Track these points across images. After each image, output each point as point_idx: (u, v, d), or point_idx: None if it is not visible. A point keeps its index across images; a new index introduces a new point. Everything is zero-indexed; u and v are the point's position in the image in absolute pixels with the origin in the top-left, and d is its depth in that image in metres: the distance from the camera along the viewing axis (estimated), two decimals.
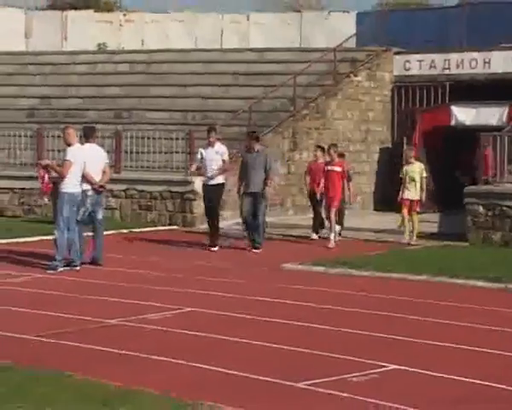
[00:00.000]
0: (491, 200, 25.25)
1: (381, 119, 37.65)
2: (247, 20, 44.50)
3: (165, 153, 29.78)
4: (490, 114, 33.82)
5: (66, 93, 40.03)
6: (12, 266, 21.90)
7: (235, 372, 12.72)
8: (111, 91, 39.36)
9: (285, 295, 18.48)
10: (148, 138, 32.24)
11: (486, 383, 11.64)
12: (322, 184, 25.81)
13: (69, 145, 21.21)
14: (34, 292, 18.93)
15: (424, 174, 25.65)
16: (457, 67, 36.66)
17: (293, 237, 27.74)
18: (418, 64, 37.42)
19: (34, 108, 38.58)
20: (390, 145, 37.63)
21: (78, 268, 21.00)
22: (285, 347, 14.13)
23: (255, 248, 24.50)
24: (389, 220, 29.83)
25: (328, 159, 25.79)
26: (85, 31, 45.54)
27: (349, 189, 26.18)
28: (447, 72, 36.83)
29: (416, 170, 25.37)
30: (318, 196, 26.43)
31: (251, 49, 41.38)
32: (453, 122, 35.10)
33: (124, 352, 13.96)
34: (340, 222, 26.33)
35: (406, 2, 54.40)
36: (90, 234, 22.09)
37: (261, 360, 13.39)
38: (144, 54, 42.48)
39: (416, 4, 52.36)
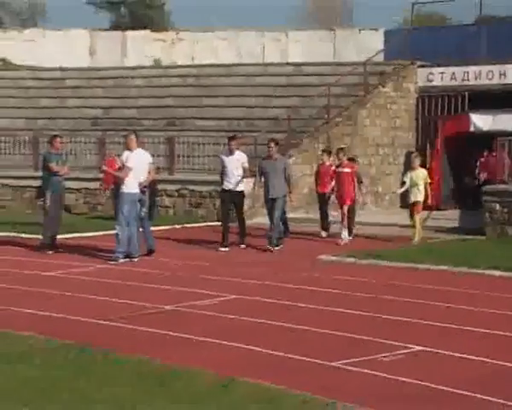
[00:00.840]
0: (506, 198, 25.08)
1: (406, 125, 37.46)
2: (286, 37, 44.48)
3: (213, 156, 29.78)
4: (505, 121, 33.68)
5: (125, 104, 40.11)
6: (77, 258, 22.07)
7: (278, 353, 12.77)
8: (165, 102, 39.39)
9: (322, 283, 18.52)
10: (198, 144, 32.41)
11: (506, 364, 11.71)
12: (331, 185, 25.21)
13: (129, 150, 21.38)
14: (97, 281, 19.04)
15: (428, 180, 24.47)
16: (475, 78, 36.49)
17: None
18: (440, 76, 37.28)
19: (97, 117, 38.71)
20: (414, 149, 37.47)
21: (136, 260, 21.14)
22: (322, 330, 14.17)
23: (277, 245, 23.08)
24: None
25: (337, 162, 25.41)
26: (143, 48, 45.75)
27: (360, 189, 25.64)
28: (466, 83, 36.61)
29: (419, 176, 24.22)
30: (327, 195, 25.93)
31: (289, 64, 41.37)
32: (472, 128, 35.05)
33: (178, 334, 14.03)
34: (351, 220, 25.44)
35: (429, 20, 54.16)
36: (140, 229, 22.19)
37: (301, 342, 13.41)
38: (194, 68, 42.51)
39: (437, 22, 52.15)
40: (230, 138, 24.25)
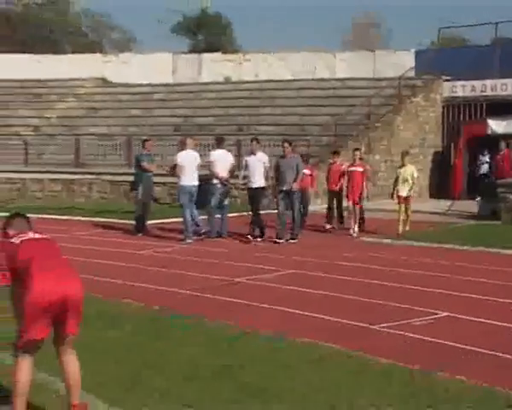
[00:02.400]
0: None
1: (434, 130, 37.56)
2: (334, 57, 44.33)
3: (272, 156, 29.76)
4: None
5: (201, 113, 40.33)
6: (159, 239, 22.29)
7: (329, 317, 12.76)
8: (234, 111, 39.55)
9: (364, 260, 18.36)
10: (260, 146, 32.37)
11: None
12: (342, 182, 23.90)
13: (182, 150, 21.95)
14: (176, 258, 19.18)
15: (415, 175, 22.68)
16: (492, 90, 36.56)
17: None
18: (462, 88, 37.32)
19: (178, 124, 38.93)
20: (440, 149, 37.58)
21: (202, 237, 21.58)
22: (366, 299, 14.14)
23: (292, 239, 21.43)
24: (439, 205, 30.17)
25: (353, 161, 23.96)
26: (215, 68, 45.85)
27: (366, 186, 23.67)
28: (484, 94, 36.66)
29: (408, 172, 22.37)
30: (338, 190, 24.11)
31: (336, 79, 41.29)
32: (489, 132, 35.06)
33: (245, 302, 14.09)
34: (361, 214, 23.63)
35: (453, 41, 53.78)
36: (219, 216, 22.31)
37: (348, 309, 13.38)
38: (257, 83, 42.59)
39: (459, 43, 51.81)
40: (252, 140, 22.95)
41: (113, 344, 10.90)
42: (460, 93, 37.51)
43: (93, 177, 35.31)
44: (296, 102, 39.56)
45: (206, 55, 48.64)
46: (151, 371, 9.77)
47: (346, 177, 23.61)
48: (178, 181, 21.94)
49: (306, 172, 23.43)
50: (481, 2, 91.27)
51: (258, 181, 21.85)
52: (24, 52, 52.34)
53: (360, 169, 23.14)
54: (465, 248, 20.08)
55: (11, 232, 7.99)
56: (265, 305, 13.80)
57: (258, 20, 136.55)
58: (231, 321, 12.38)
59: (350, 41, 73.83)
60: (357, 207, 22.95)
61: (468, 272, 16.64)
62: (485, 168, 35.17)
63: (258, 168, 21.82)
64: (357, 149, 24.44)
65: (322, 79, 41.48)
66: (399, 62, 40.37)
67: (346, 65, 42.84)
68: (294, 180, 21.24)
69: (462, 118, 37.20)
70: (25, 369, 7.66)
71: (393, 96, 37.24)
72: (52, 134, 41.45)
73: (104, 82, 46.74)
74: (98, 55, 51.47)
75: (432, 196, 35.99)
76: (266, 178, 22.09)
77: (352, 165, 23.41)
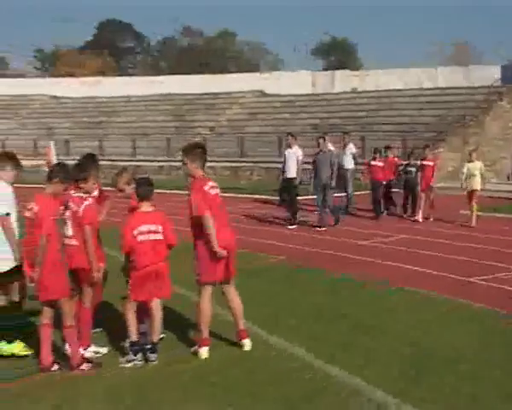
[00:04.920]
0: None
1: None
2: (436, 71, 43.37)
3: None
4: None
5: (333, 116, 40.18)
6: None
7: (430, 271, 12.65)
8: (359, 114, 39.29)
9: (461, 229, 18.06)
10: (379, 140, 32.06)
11: None
12: (396, 175, 21.19)
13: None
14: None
15: (483, 170, 18.88)
16: None
17: None
18: None
19: (316, 124, 38.89)
20: None
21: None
22: (462, 258, 13.94)
23: (322, 226, 18.19)
24: None
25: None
26: (345, 81, 45.69)
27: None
28: None
29: (475, 167, 18.71)
30: (383, 183, 20.58)
31: (438, 88, 40.36)
32: None
33: (364, 258, 14.07)
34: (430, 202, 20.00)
35: None
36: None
37: (448, 266, 13.18)
38: (378, 92, 42.10)
39: None
40: (287, 135, 20.19)
41: (257, 291, 11.12)
42: None
43: (252, 164, 35.78)
44: (407, 106, 38.95)
45: (337, 72, 48.67)
46: (286, 313, 9.93)
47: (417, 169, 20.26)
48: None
49: (379, 164, 20.59)
50: None
51: (292, 172, 19.05)
52: (201, 73, 53.53)
53: (430, 163, 20.10)
54: None
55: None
56: (379, 261, 13.79)
57: (377, 42, 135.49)
58: (352, 274, 12.45)
59: (448, 57, 72.01)
60: (425, 192, 19.83)
61: None
62: None
63: (292, 161, 19.07)
64: (427, 146, 21.29)
65: (427, 89, 40.69)
66: (488, 74, 39.44)
67: (445, 77, 41.88)
68: (331, 175, 18.42)
69: None
70: (209, 301, 7.94)
71: (484, 100, 36.38)
72: (223, 133, 42.22)
73: (261, 94, 47.10)
74: (257, 74, 52.22)
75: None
76: (298, 170, 18.98)
77: (423, 159, 20.23)
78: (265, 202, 24.99)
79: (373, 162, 20.73)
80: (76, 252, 7.84)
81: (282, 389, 6.96)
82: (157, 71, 70.41)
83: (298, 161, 18.97)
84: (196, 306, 8.04)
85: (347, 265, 13.43)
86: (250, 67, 71.84)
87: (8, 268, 8.05)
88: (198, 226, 7.81)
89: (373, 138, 32.13)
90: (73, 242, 7.90)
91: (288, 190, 19.43)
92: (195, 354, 7.94)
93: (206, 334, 7.98)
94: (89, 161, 8.48)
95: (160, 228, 7.82)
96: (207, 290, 7.95)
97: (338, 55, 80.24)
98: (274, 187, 24.41)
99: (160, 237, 7.81)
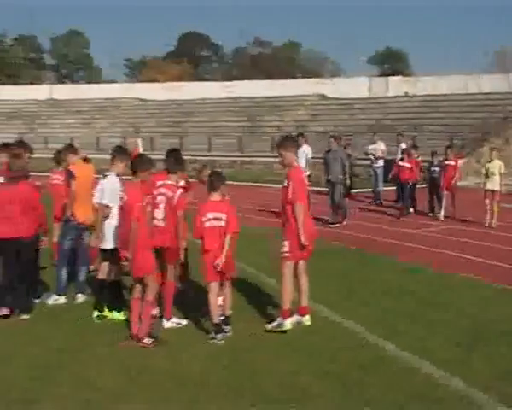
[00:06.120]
0: None
1: None
2: (479, 76, 42.46)
3: (434, 147, 28.98)
4: None
5: (387, 117, 39.78)
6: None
7: (478, 258, 12.57)
8: (409, 115, 38.71)
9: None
10: (428, 140, 31.68)
11: None
12: (419, 174, 19.80)
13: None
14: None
15: (502, 169, 16.67)
16: None
17: None
18: None
19: (372, 125, 38.49)
20: None
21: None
22: (507, 247, 13.76)
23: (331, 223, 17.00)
24: None
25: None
26: (397, 86, 45.14)
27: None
28: None
29: (495, 166, 16.68)
30: (411, 182, 19.05)
31: (482, 93, 39.49)
32: None
33: (414, 245, 14.00)
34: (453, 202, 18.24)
35: None
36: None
37: (493, 254, 13.00)
38: (427, 96, 41.30)
39: None
40: (297, 134, 18.64)
41: (332, 270, 11.29)
42: None
43: (315, 159, 35.70)
44: (453, 109, 38.18)
45: (391, 78, 48.09)
46: (360, 286, 10.09)
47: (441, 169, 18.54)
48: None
49: (407, 164, 19.07)
50: None
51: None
52: (269, 78, 53.72)
53: (453, 163, 18.26)
54: None
55: None
56: (425, 247, 13.72)
57: (426, 50, 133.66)
58: (415, 259, 12.45)
59: (491, 64, 70.41)
60: (447, 192, 18.10)
61: None
62: None
63: (302, 159, 17.37)
64: (449, 147, 19.28)
65: (472, 93, 39.93)
66: None
67: (488, 82, 41.03)
68: (343, 172, 17.47)
69: None
70: (291, 276, 8.01)
71: None
72: (288, 132, 42.13)
73: (322, 97, 46.85)
74: (318, 79, 52.05)
75: None
76: (307, 166, 17.68)
77: (446, 159, 18.39)
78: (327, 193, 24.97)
79: (401, 163, 19.30)
80: (163, 232, 7.97)
81: (353, 354, 7.16)
82: (230, 77, 70.78)
83: (307, 159, 17.85)
84: (280, 281, 8.07)
85: (403, 250, 13.45)
86: (313, 73, 71.81)
87: (111, 247, 8.28)
88: (291, 211, 7.85)
89: (422, 138, 31.75)
90: (162, 223, 8.04)
91: None
92: (281, 325, 7.88)
93: (288, 306, 7.98)
94: (180, 155, 8.76)
95: (224, 216, 7.75)
96: (289, 267, 7.98)
97: (392, 62, 79.86)
98: None
99: (222, 223, 7.72)
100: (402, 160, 19.42)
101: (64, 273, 9.42)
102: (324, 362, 6.92)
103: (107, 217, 8.29)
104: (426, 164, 20.21)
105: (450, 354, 7.10)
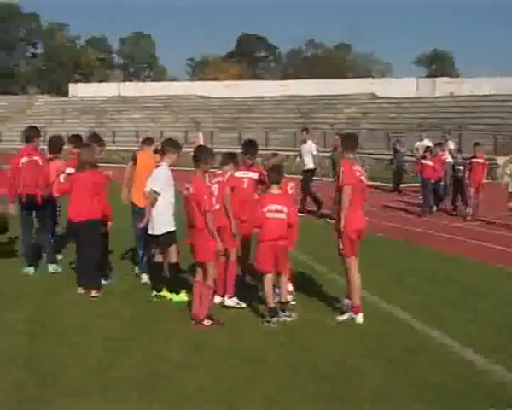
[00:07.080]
0: None
1: None
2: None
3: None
4: None
5: (434, 116, 39.18)
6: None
7: (495, 246, 12.35)
8: (453, 115, 38.08)
9: None
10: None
11: None
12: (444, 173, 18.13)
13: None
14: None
15: None
16: None
17: None
18: None
19: (419, 123, 37.92)
20: None
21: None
22: None
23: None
24: None
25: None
26: (444, 86, 44.57)
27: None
28: None
29: None
30: (432, 181, 17.56)
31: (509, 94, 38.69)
32: None
33: (457, 237, 13.79)
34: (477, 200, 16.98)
35: None
36: None
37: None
38: (471, 97, 40.57)
39: None
40: (302, 130, 17.89)
41: (381, 259, 11.26)
42: None
43: (365, 155, 35.37)
44: (496, 109, 37.40)
45: (437, 79, 47.63)
46: (407, 275, 10.07)
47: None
48: None
49: (429, 162, 17.58)
50: None
51: (308, 164, 17.09)
52: (322, 78, 53.51)
53: (481, 160, 16.77)
54: None
55: None
56: (466, 239, 13.51)
57: (471, 53, 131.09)
58: (450, 250, 12.31)
59: None
60: (475, 189, 16.80)
61: None
62: None
63: (307, 154, 17.14)
64: (476, 144, 17.33)
65: (495, 95, 39.08)
66: None
67: None
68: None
69: None
70: (356, 271, 7.79)
71: None
72: (341, 129, 41.83)
73: (373, 96, 46.42)
74: (369, 79, 51.78)
75: None
76: (315, 161, 17.12)
77: (473, 157, 16.91)
78: (376, 187, 24.60)
79: (423, 161, 17.75)
80: (218, 215, 7.85)
81: (401, 338, 7.18)
82: (285, 76, 70.80)
83: (313, 154, 17.03)
84: (346, 278, 7.86)
85: (447, 242, 13.31)
86: (364, 73, 71.22)
87: (164, 231, 8.30)
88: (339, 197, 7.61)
89: (467, 137, 31.19)
90: (217, 206, 7.95)
91: (304, 180, 17.06)
92: (352, 320, 7.69)
93: (358, 302, 7.71)
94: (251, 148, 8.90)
95: (285, 209, 7.63)
96: (354, 262, 7.76)
97: (438, 64, 78.62)
98: (383, 175, 24.15)
99: (283, 216, 7.61)
100: (424, 158, 17.85)
101: (141, 254, 9.53)
102: (373, 345, 6.96)
103: (154, 204, 8.29)
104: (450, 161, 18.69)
105: (492, 341, 7.05)
